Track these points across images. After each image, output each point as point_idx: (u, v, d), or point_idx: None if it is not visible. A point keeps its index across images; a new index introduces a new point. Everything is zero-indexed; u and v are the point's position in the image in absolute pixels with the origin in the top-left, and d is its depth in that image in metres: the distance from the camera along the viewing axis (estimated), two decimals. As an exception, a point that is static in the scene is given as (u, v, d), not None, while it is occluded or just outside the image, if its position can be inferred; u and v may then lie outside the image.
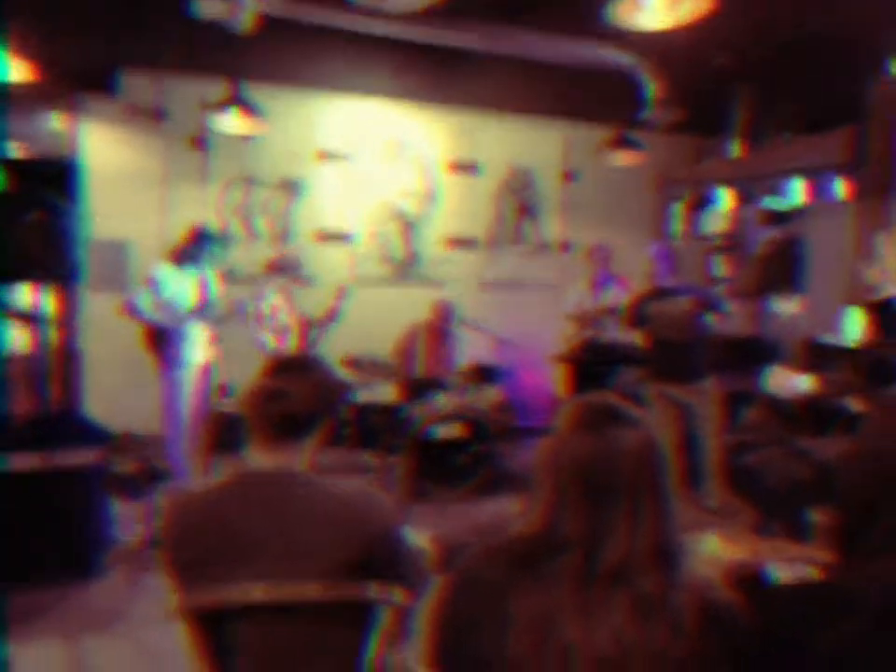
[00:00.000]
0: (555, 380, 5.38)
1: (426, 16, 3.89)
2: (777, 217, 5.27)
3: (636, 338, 4.39)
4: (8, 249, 3.07)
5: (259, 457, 1.46)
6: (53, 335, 4.29)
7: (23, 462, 3.18)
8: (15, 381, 3.71)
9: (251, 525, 1.36)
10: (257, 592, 1.32)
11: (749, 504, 3.54)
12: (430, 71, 4.92)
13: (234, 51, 4.23)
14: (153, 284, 3.92)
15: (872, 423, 0.89)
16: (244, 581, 1.32)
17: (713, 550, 1.68)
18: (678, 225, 6.41)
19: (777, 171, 5.16)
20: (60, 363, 4.46)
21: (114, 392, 4.73)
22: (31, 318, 3.64)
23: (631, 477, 0.99)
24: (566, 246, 6.25)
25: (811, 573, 1.24)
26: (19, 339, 4.06)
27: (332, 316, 4.52)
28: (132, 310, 3.89)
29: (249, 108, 4.44)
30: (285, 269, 4.54)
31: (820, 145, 4.83)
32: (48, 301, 3.93)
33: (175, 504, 1.46)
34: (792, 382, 4.28)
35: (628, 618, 0.94)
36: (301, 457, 1.47)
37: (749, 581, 1.27)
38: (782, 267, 4.72)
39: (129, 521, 3.68)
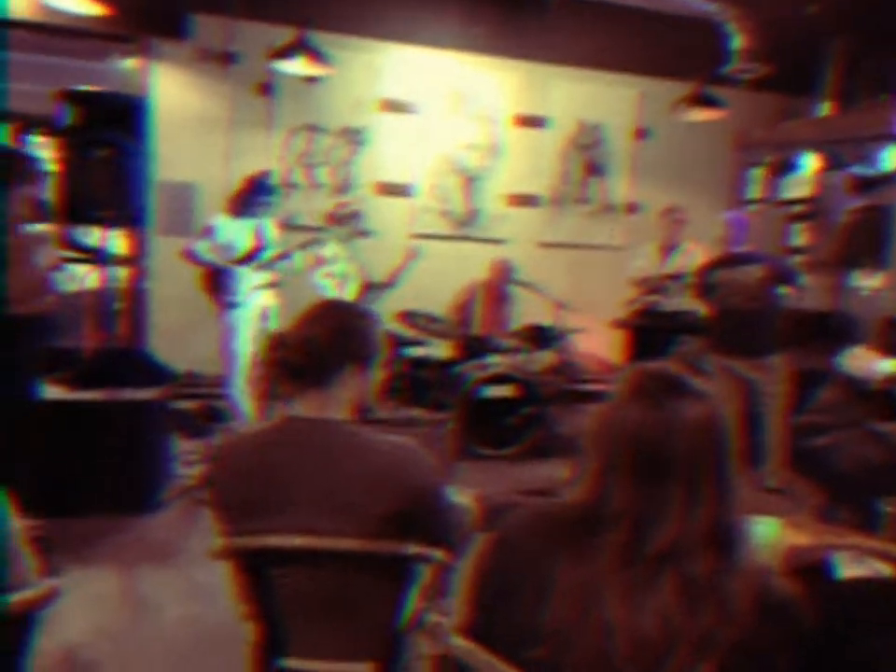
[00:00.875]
0: (614, 346, 5.24)
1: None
2: (866, 185, 4.90)
3: (701, 307, 4.20)
4: (77, 188, 3.13)
5: (297, 405, 1.44)
6: (122, 274, 4.43)
7: (89, 395, 3.31)
8: (84, 316, 3.85)
9: (292, 473, 1.36)
10: (296, 540, 1.32)
11: (816, 488, 3.38)
12: (499, 22, 4.75)
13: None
14: (209, 232, 3.98)
15: None
16: (283, 528, 1.33)
17: (773, 534, 1.58)
18: (755, 190, 6.06)
19: (869, 135, 4.79)
20: (127, 302, 4.62)
21: (178, 332, 4.87)
22: (99, 257, 3.74)
23: (690, 453, 0.92)
24: (633, 208, 6.02)
25: (881, 569, 1.15)
26: (88, 276, 4.21)
27: (394, 280, 4.45)
28: (190, 255, 3.97)
29: (315, 54, 4.39)
30: (343, 221, 4.48)
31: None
32: (116, 241, 4.03)
33: (222, 446, 1.47)
34: (873, 364, 4.03)
35: (675, 601, 0.88)
36: (338, 406, 1.44)
37: (811, 571, 1.19)
38: (868, 238, 4.40)
39: (189, 458, 3.82)
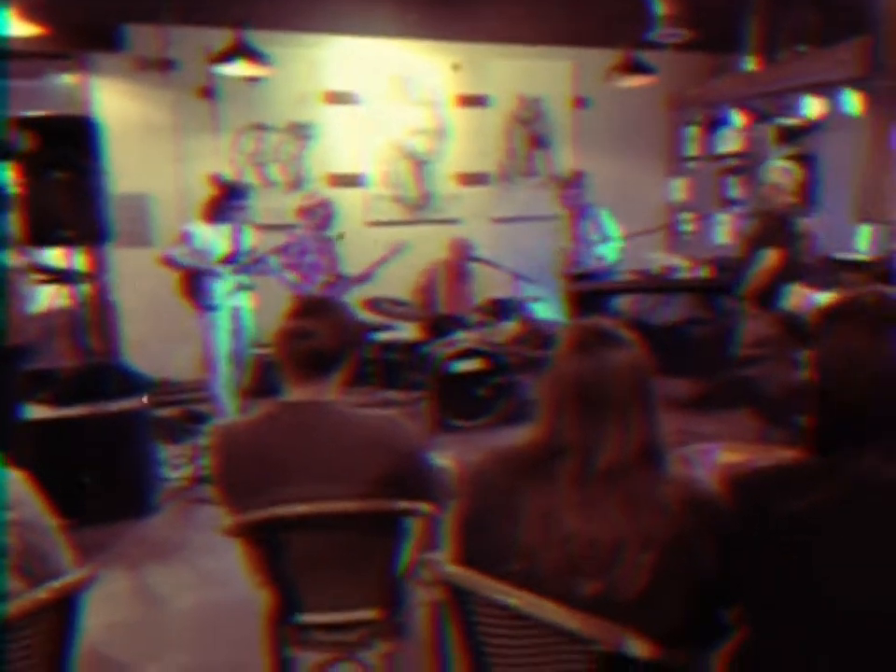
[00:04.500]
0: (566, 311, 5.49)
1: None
2: (791, 135, 5.18)
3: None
4: (39, 211, 3.20)
5: (292, 392, 1.62)
6: (88, 290, 4.48)
7: (74, 411, 3.41)
8: (56, 335, 3.92)
9: (290, 450, 1.53)
10: (300, 507, 1.50)
11: (753, 413, 3.69)
12: (431, 7, 4.85)
13: (236, -2, 4.23)
14: (186, 238, 4.05)
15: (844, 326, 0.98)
16: (288, 499, 1.51)
17: (720, 458, 1.85)
18: (692, 147, 6.33)
19: (791, 86, 5.06)
20: (97, 317, 4.68)
21: (149, 341, 4.95)
22: (65, 276, 3.80)
23: (620, 392, 1.13)
24: (578, 176, 6.23)
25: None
26: (56, 295, 4.26)
27: (370, 274, 4.46)
28: (168, 261, 4.02)
29: (254, 55, 4.45)
30: (314, 212, 4.55)
31: (832, 57, 4.71)
32: (79, 258, 4.09)
33: (221, 435, 1.64)
34: (810, 299, 4.33)
35: (621, 509, 1.09)
36: (331, 390, 1.62)
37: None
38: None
39: (176, 462, 3.95)
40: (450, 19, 5.21)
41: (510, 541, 1.15)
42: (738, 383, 4.09)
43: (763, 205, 4.15)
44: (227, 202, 4.11)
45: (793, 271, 3.89)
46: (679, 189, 6.49)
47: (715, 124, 5.91)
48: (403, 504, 1.53)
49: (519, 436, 1.24)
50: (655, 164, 6.50)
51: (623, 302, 5.85)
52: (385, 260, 4.47)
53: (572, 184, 5.21)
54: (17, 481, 1.28)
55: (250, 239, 4.26)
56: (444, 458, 2.00)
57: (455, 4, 4.82)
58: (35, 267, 3.88)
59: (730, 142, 5.89)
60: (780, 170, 4.11)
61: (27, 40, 4.22)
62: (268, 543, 1.58)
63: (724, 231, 6.07)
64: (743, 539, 1.01)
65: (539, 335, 5.19)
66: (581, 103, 6.15)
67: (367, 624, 1.68)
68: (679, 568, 1.07)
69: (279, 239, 4.47)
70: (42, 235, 3.30)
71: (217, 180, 4.38)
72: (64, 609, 1.30)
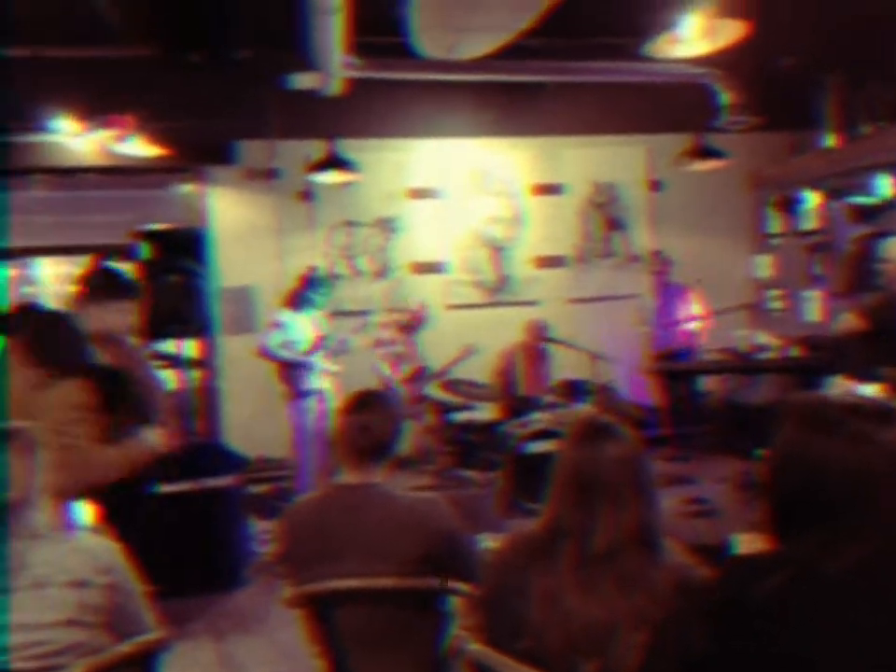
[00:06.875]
0: (652, 391, 5.46)
1: (493, 59, 4.21)
2: (867, 213, 5.06)
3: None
4: (155, 309, 3.70)
5: (348, 475, 1.81)
6: (196, 376, 4.98)
7: (174, 487, 3.76)
8: (167, 416, 4.37)
9: (342, 528, 1.71)
10: (349, 582, 1.66)
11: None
12: (506, 106, 5.24)
13: (328, 112, 4.79)
14: (279, 326, 4.48)
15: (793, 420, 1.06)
16: (338, 573, 1.67)
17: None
18: (775, 225, 6.27)
19: (872, 163, 4.99)
20: (202, 400, 5.16)
21: (248, 422, 5.37)
22: (176, 363, 4.28)
23: (612, 480, 1.24)
24: (661, 256, 6.30)
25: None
26: (168, 380, 4.76)
27: (446, 371, 4.92)
28: (265, 352, 4.46)
29: (344, 164, 4.97)
30: (412, 329, 5.03)
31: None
32: (189, 347, 4.59)
33: (286, 513, 1.84)
34: (853, 391, 4.05)
35: (615, 590, 1.18)
36: (381, 474, 1.80)
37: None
38: (872, 264, 4.54)
39: (264, 537, 4.20)
40: (524, 116, 5.58)
41: (520, 619, 1.25)
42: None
43: (887, 283, 3.89)
44: (306, 291, 4.53)
45: None
46: (764, 265, 6.41)
47: (791, 203, 5.86)
48: (439, 582, 1.66)
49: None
50: (737, 242, 6.47)
51: (710, 381, 5.76)
52: (457, 361, 4.87)
53: (656, 263, 5.29)
54: (112, 550, 1.53)
55: (325, 324, 4.65)
56: (495, 540, 2.10)
57: (529, 101, 5.19)
58: (154, 354, 4.40)
59: (809, 220, 5.81)
60: None
61: (153, 158, 4.93)
62: (322, 615, 1.74)
63: (814, 308, 5.89)
64: (719, 623, 1.07)
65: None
66: (655, 185, 6.30)
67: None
68: (669, 649, 1.13)
69: (364, 323, 4.85)
70: (158, 329, 3.79)
71: (305, 273, 4.83)
72: (144, 664, 1.51)
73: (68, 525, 1.58)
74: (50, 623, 1.37)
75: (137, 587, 1.55)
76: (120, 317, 2.49)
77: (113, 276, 2.52)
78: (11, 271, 5.85)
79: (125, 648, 1.43)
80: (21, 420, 1.64)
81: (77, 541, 1.51)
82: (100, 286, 2.47)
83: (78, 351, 2.19)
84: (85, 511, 2.08)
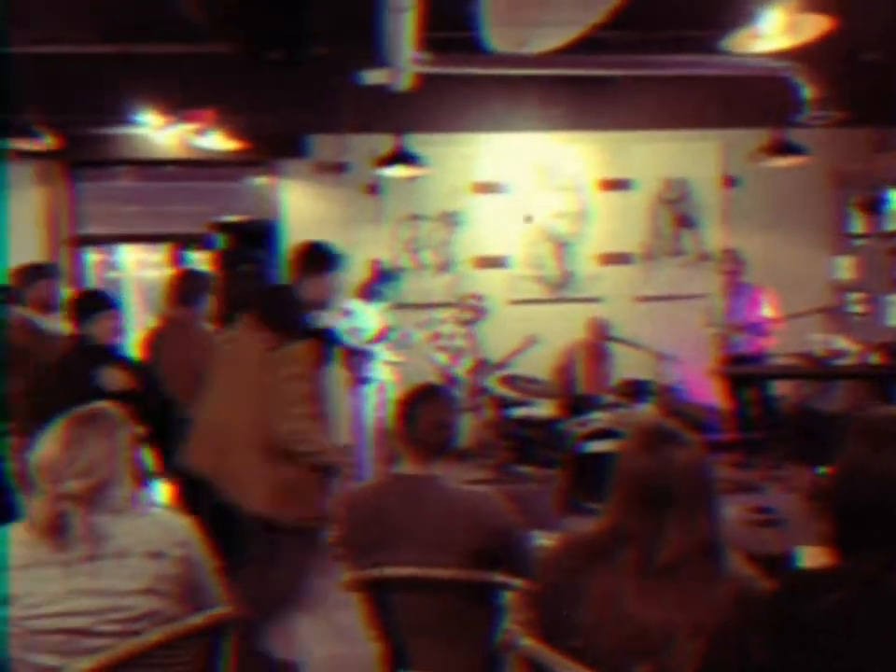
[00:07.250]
0: (718, 393, 5.32)
1: (563, 53, 4.16)
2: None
3: None
4: (228, 296, 3.87)
5: (406, 465, 1.86)
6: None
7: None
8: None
9: (400, 517, 1.76)
10: (406, 570, 1.71)
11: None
12: (575, 100, 5.17)
13: (398, 107, 4.85)
14: (347, 313, 4.60)
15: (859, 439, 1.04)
16: (395, 561, 1.72)
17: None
18: (859, 225, 5.97)
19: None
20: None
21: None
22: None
23: (683, 491, 1.23)
24: (730, 255, 6.10)
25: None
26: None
27: (507, 363, 4.90)
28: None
29: (411, 158, 5.04)
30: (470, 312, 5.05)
31: None
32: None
33: (345, 498, 1.91)
34: None
35: (675, 601, 1.18)
36: (438, 466, 1.84)
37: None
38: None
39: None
40: (593, 110, 5.50)
41: (574, 618, 1.27)
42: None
43: None
44: (377, 283, 4.62)
45: None
46: (845, 267, 6.12)
47: (875, 202, 5.56)
48: (494, 577, 1.69)
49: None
50: (816, 242, 6.20)
51: (784, 386, 5.55)
52: (519, 352, 4.84)
53: (728, 262, 5.14)
54: (186, 525, 1.63)
55: (390, 317, 4.73)
56: (551, 538, 2.12)
57: (598, 95, 5.09)
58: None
59: (894, 220, 5.50)
60: None
61: (229, 151, 5.12)
62: (379, 601, 1.80)
63: (897, 313, 5.61)
64: (779, 636, 1.06)
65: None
66: (730, 182, 6.10)
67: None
68: (727, 658, 1.13)
69: (426, 316, 4.91)
70: (231, 316, 3.94)
71: (375, 265, 4.93)
72: (214, 635, 1.60)
73: (147, 502, 1.69)
74: (131, 590, 1.47)
75: (209, 562, 1.64)
76: (329, 287, 2.74)
77: (322, 252, 2.75)
78: (96, 256, 6.21)
79: (197, 619, 1.52)
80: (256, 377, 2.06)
81: (155, 516, 1.61)
82: (312, 260, 2.71)
83: (299, 317, 2.54)
84: (161, 490, 2.23)
